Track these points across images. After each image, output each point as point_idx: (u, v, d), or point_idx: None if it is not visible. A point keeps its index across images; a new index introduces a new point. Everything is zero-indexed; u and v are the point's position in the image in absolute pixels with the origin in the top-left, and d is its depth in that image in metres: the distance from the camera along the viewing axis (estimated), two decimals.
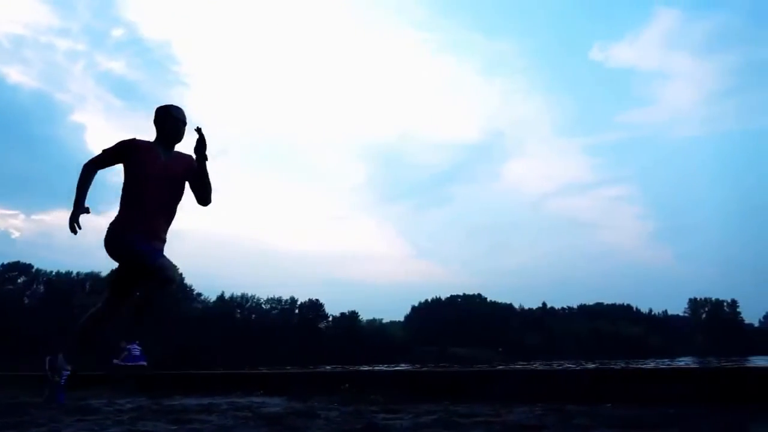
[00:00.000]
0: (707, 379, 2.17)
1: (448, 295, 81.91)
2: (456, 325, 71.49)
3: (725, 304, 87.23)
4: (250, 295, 72.82)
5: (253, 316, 71.92)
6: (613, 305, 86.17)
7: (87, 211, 2.84)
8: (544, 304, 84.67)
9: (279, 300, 74.74)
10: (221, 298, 69.23)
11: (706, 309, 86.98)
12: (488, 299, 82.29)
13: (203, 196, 3.06)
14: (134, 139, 2.98)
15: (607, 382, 2.31)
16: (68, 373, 2.95)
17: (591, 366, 4.69)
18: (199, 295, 68.09)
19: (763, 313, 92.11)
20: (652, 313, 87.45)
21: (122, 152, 2.92)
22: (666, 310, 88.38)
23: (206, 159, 2.94)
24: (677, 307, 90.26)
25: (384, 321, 79.19)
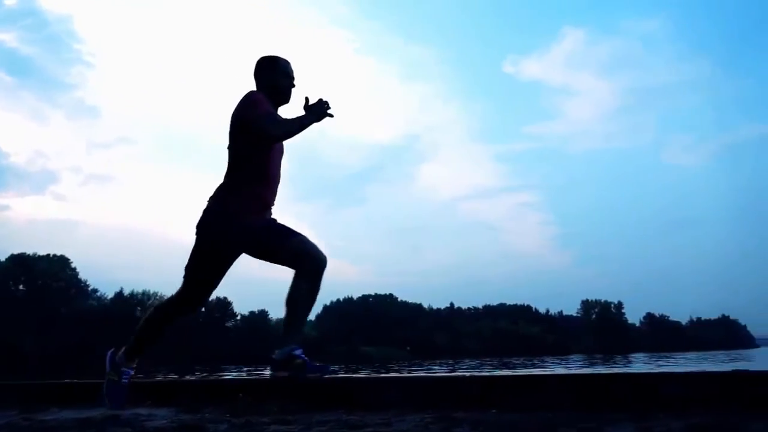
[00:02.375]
0: (585, 386, 2.33)
1: (360, 295, 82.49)
2: (367, 325, 72.18)
3: (612, 305, 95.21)
4: (152, 291, 69.04)
5: None
6: (515, 306, 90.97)
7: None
8: (451, 304, 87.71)
9: None
10: (120, 294, 64.97)
11: (596, 310, 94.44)
12: (399, 299, 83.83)
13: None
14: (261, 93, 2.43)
15: (496, 389, 2.41)
16: (131, 372, 2.50)
17: (481, 374, 4.91)
18: (95, 291, 63.54)
19: (644, 314, 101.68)
20: (549, 313, 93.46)
21: (266, 103, 2.38)
22: (561, 311, 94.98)
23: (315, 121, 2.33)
24: (571, 308, 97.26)
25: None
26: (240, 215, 2.31)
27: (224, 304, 72.02)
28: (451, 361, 34.06)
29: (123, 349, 2.49)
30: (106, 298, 64.13)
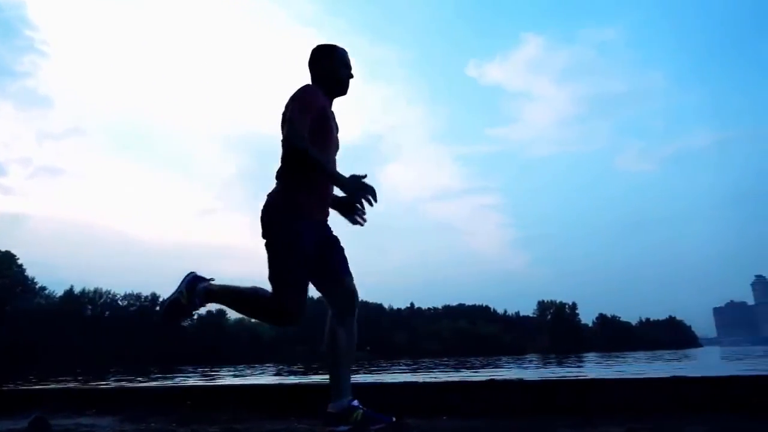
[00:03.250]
0: (533, 391, 2.39)
1: (320, 294, 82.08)
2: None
3: (567, 306, 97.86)
4: (104, 289, 66.75)
5: (107, 313, 65.91)
6: (474, 306, 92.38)
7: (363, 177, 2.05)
8: (412, 304, 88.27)
9: (138, 296, 69.43)
10: (69, 292, 62.51)
11: (552, 311, 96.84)
12: (360, 299, 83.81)
13: None
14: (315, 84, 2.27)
15: (450, 394, 2.44)
16: (199, 303, 2.13)
17: (433, 380, 4.95)
18: (43, 288, 60.96)
19: (596, 315, 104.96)
20: (507, 313, 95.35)
21: (318, 100, 2.18)
22: (518, 311, 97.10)
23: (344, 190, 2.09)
24: (528, 309, 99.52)
25: (253, 320, 77.12)
26: (304, 210, 2.10)
27: None
28: (410, 362, 34.27)
29: (206, 284, 2.15)
30: (54, 297, 61.60)
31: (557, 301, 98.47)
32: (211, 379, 10.69)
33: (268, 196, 2.16)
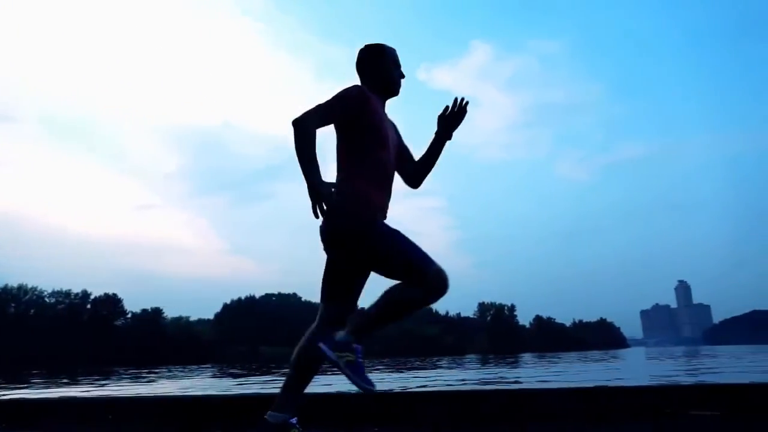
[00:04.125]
0: (461, 401, 2.43)
1: (263, 294, 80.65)
2: (269, 325, 70.66)
3: (506, 308, 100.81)
4: (30, 286, 62.86)
5: (32, 311, 62.09)
6: None
7: (334, 187, 2.00)
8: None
9: (68, 293, 65.91)
10: None
11: (491, 312, 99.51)
12: (303, 299, 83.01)
13: (419, 178, 2.34)
14: (363, 85, 2.19)
15: (379, 405, 2.44)
16: (361, 347, 2.00)
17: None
18: None
19: (533, 316, 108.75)
20: (449, 314, 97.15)
21: (359, 101, 2.07)
22: (459, 313, 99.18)
23: (450, 138, 2.29)
24: (469, 310, 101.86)
25: (192, 319, 74.75)
26: (366, 217, 2.00)
27: (113, 301, 67.16)
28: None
29: (345, 331, 2.04)
30: None
31: (497, 303, 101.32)
32: (143, 384, 10.26)
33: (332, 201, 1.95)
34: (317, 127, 1.97)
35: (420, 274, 1.92)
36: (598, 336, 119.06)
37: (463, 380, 9.12)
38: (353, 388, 1.95)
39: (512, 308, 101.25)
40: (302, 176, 1.89)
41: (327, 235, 2.01)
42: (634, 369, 11.57)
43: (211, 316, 77.16)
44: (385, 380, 9.56)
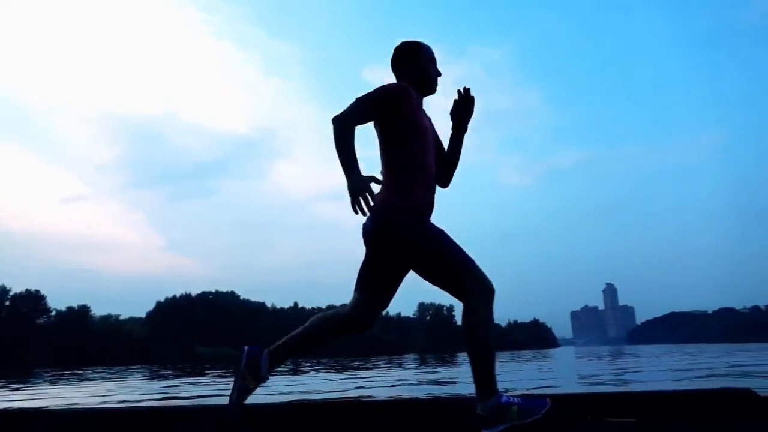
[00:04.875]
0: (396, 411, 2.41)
1: (200, 292, 78.20)
2: (205, 324, 68.57)
3: (445, 308, 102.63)
4: None
5: None
6: None
7: (375, 180, 1.93)
8: (296, 303, 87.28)
9: None
10: None
11: (431, 312, 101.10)
12: (242, 297, 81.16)
13: (446, 177, 2.30)
14: (404, 83, 2.12)
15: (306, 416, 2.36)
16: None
17: (298, 400, 4.92)
18: None
19: None
20: (389, 314, 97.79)
21: (402, 97, 2.00)
22: (400, 312, 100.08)
23: (467, 130, 2.26)
24: (409, 310, 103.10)
25: (122, 317, 71.40)
26: (411, 216, 1.97)
27: (35, 298, 63.03)
28: (289, 363, 33.79)
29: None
30: None
31: (437, 303, 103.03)
32: (66, 386, 9.67)
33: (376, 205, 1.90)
34: (357, 124, 1.96)
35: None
36: (532, 336, 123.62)
37: (397, 383, 9.19)
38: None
39: (451, 308, 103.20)
40: (344, 172, 1.88)
41: (371, 233, 1.98)
42: (564, 369, 12.05)
43: (143, 315, 73.99)
44: (330, 381, 9.49)
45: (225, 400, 2.05)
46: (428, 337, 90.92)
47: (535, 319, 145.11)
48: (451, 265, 1.97)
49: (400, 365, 18.54)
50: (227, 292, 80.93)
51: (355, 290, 2.08)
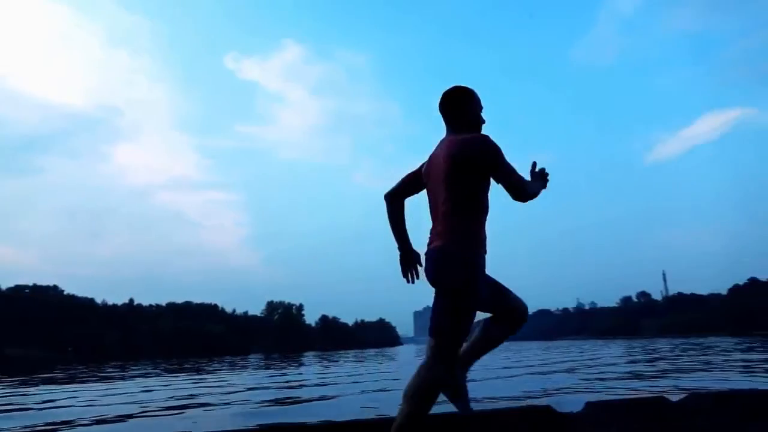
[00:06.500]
0: None
1: (12, 285, 68.10)
2: (18, 322, 59.83)
3: (294, 307, 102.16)
4: None
5: None
6: (202, 304, 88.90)
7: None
8: (131, 300, 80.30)
9: None
10: None
11: (279, 311, 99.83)
12: (66, 292, 72.39)
13: None
14: (448, 124, 2.32)
15: None
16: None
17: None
18: None
19: (319, 316, 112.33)
20: (235, 312, 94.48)
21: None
22: (247, 311, 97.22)
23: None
24: (257, 308, 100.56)
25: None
26: (480, 257, 2.15)
27: None
28: (120, 364, 31.06)
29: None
30: None
31: (286, 302, 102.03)
32: None
33: (441, 242, 2.14)
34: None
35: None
36: (377, 334, 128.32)
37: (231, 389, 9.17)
38: None
39: (300, 307, 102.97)
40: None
41: (442, 283, 2.10)
42: (405, 370, 12.90)
43: None
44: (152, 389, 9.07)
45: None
46: (276, 336, 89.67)
47: (380, 318, 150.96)
48: (503, 304, 2.34)
49: (244, 367, 18.17)
50: (48, 286, 71.62)
51: (433, 334, 2.15)
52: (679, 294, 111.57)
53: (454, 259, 2.07)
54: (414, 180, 2.37)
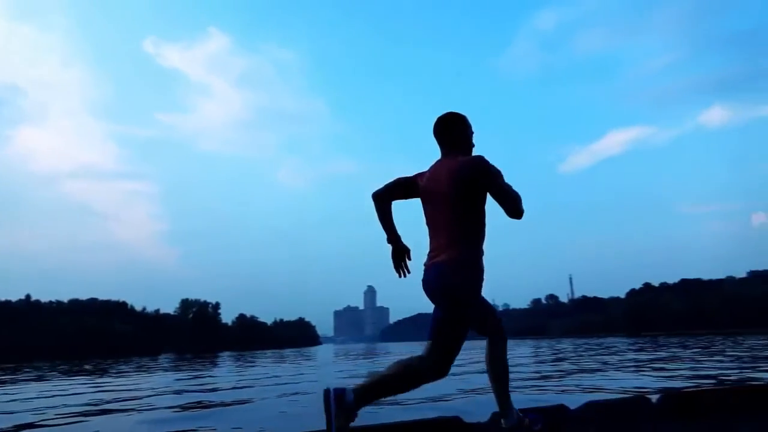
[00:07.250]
0: None
1: None
2: None
3: (210, 306, 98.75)
4: None
5: None
6: (108, 301, 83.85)
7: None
8: (28, 296, 74.07)
9: None
10: None
11: (194, 309, 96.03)
12: None
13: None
14: (441, 146, 2.49)
15: None
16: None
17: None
18: None
19: (237, 315, 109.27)
20: (146, 310, 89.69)
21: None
22: (159, 309, 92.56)
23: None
24: (170, 306, 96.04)
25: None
26: (481, 269, 2.28)
27: None
28: (12, 366, 28.52)
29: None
30: None
31: (201, 300, 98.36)
32: None
33: (443, 254, 2.24)
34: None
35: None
36: (296, 334, 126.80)
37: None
38: None
39: (216, 306, 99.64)
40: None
41: (452, 292, 2.19)
42: (324, 371, 12.85)
43: None
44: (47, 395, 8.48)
45: None
46: (190, 335, 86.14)
47: (300, 318, 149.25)
48: (491, 320, 2.50)
49: (152, 369, 17.36)
50: None
51: (440, 345, 2.24)
52: (584, 297, 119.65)
53: (465, 266, 2.22)
54: (406, 185, 2.46)
